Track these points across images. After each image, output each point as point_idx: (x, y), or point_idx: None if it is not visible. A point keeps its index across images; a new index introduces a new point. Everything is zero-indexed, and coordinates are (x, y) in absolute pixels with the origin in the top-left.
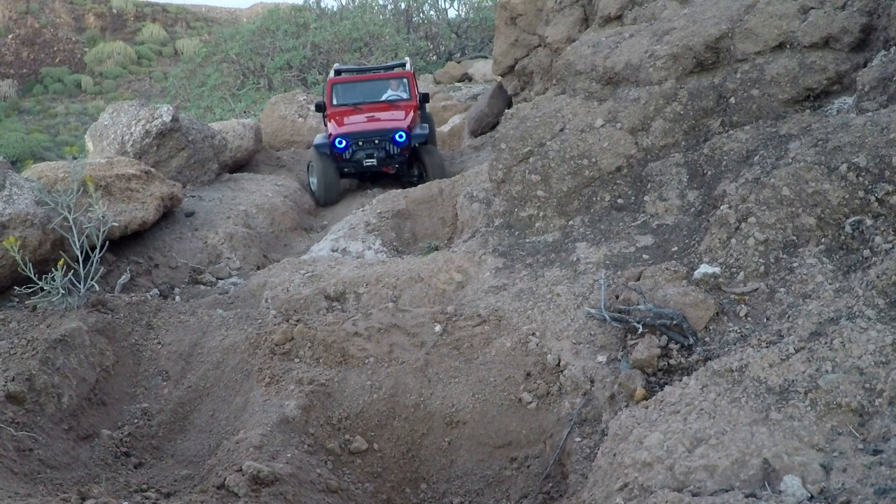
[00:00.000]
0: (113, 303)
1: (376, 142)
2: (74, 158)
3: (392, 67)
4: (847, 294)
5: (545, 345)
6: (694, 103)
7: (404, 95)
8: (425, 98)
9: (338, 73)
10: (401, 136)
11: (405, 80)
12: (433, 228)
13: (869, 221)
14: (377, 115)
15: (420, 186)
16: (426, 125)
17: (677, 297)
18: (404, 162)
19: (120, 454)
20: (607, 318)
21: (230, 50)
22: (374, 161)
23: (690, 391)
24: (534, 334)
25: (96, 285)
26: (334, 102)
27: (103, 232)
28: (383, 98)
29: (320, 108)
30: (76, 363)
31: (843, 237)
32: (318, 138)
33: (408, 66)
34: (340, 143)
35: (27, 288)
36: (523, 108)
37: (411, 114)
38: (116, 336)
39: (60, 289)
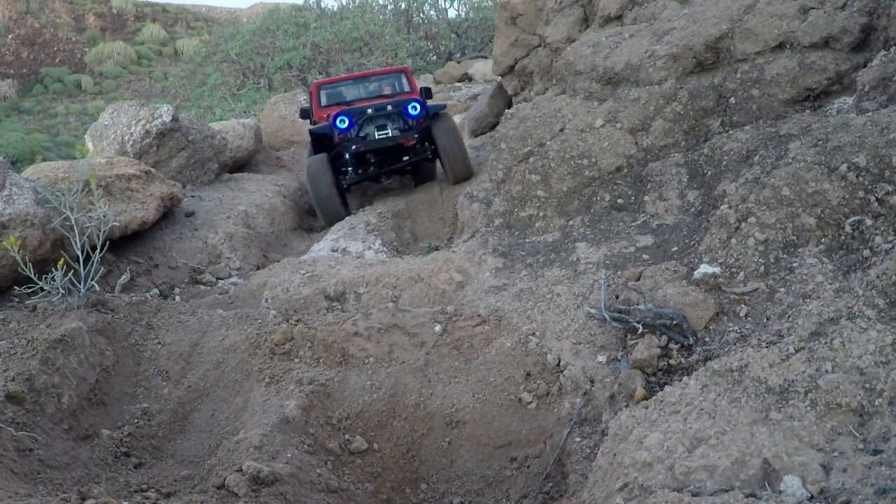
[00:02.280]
0: (113, 303)
1: (389, 109)
2: (83, 157)
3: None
4: (847, 294)
5: (545, 345)
6: (694, 103)
7: (404, 88)
8: (427, 93)
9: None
10: (415, 108)
11: (402, 76)
12: (433, 228)
13: (869, 221)
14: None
15: (420, 187)
16: (443, 104)
17: (677, 297)
18: (423, 139)
19: (120, 454)
20: (607, 318)
21: (230, 50)
22: (388, 132)
23: (690, 391)
24: (534, 334)
25: (96, 285)
26: (323, 104)
27: (104, 232)
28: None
29: (306, 114)
30: (76, 363)
31: (843, 237)
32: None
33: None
34: (342, 121)
35: (27, 288)
36: (523, 108)
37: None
38: (116, 336)
39: (60, 289)
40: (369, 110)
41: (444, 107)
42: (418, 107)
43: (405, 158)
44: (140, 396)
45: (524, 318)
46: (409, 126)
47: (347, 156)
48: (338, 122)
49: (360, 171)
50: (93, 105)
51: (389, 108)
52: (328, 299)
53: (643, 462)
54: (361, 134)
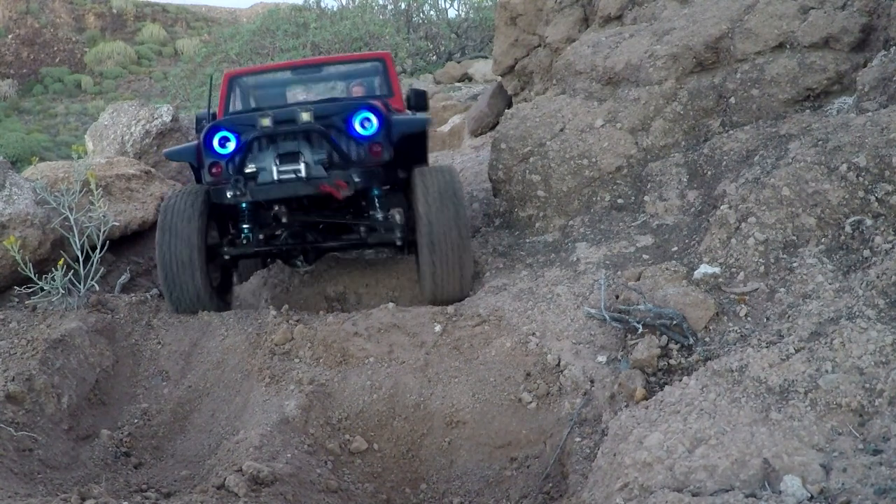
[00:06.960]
0: (113, 303)
1: (304, 120)
2: (79, 157)
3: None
4: (847, 294)
5: (545, 345)
6: (694, 103)
7: (380, 92)
8: (421, 100)
9: None
10: (367, 123)
11: (380, 67)
12: None
13: (869, 221)
14: None
15: None
16: (424, 118)
17: (677, 297)
18: (373, 189)
19: (120, 454)
20: (607, 318)
21: (230, 50)
22: (298, 170)
23: (690, 391)
24: (534, 334)
25: (96, 285)
26: (236, 111)
27: (104, 232)
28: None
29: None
30: (76, 363)
31: (843, 237)
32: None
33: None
34: (224, 142)
35: (27, 288)
36: (523, 108)
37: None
38: (116, 336)
39: (60, 289)
40: (264, 120)
41: (426, 123)
42: (373, 120)
43: (345, 232)
44: (140, 396)
45: (524, 319)
46: (351, 158)
47: (244, 205)
48: (214, 141)
49: (260, 238)
50: (93, 105)
51: (305, 116)
52: (328, 299)
53: (643, 462)
54: (248, 169)
